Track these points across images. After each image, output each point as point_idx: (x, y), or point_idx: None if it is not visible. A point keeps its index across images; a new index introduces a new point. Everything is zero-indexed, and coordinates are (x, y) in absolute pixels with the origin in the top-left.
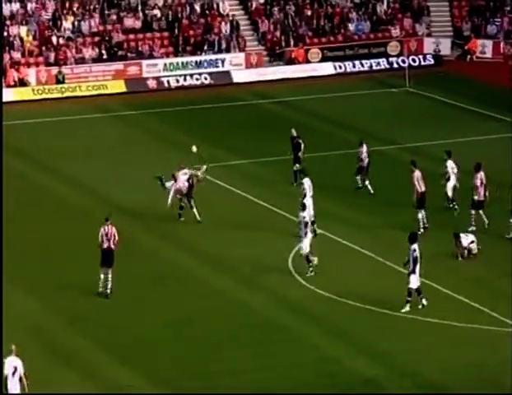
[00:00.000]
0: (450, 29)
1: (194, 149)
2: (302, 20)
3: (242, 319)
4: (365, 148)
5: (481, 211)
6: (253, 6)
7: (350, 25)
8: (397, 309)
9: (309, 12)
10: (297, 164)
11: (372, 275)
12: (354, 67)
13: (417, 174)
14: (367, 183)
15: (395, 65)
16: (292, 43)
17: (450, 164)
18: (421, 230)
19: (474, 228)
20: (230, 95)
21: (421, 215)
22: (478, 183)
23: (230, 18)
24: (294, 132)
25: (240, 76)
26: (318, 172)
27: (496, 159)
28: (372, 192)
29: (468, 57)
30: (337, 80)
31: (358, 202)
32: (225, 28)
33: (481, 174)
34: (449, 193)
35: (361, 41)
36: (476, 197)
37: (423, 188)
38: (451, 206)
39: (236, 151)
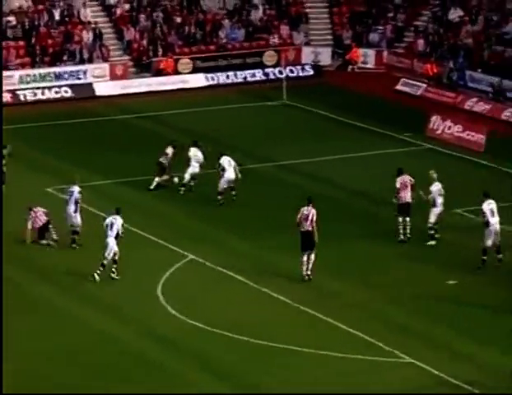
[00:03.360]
0: (330, 37)
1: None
2: (171, 28)
3: (109, 352)
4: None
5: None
6: (118, 12)
7: (222, 33)
8: (274, 340)
9: (178, 20)
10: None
11: (246, 303)
12: (227, 78)
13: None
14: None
15: (272, 76)
16: (161, 52)
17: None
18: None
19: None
20: (93, 110)
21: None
22: (398, 185)
23: (93, 26)
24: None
25: (104, 88)
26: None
27: (379, 175)
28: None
29: (349, 67)
30: (209, 92)
31: (229, 224)
32: (87, 36)
33: (402, 178)
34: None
35: (235, 51)
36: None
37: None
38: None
39: (99, 170)
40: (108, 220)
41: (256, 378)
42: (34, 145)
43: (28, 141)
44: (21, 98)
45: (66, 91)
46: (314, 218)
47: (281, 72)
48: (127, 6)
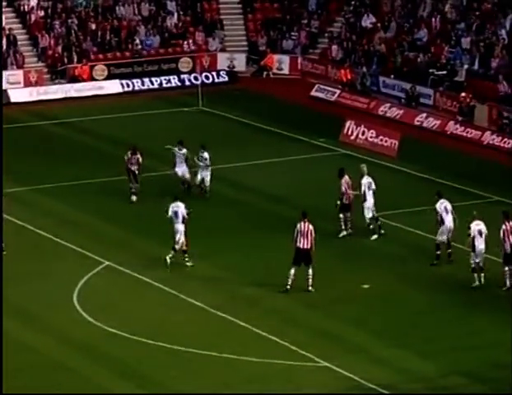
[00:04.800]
0: (245, 43)
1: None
2: (86, 35)
3: (27, 360)
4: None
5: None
6: (32, 19)
7: (138, 39)
8: (190, 345)
9: (93, 26)
10: None
11: (162, 308)
12: (143, 84)
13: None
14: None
15: (187, 82)
16: (75, 59)
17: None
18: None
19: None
20: (8, 116)
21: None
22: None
23: (7, 32)
24: None
25: (18, 95)
26: (100, 199)
27: (295, 180)
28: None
29: (265, 73)
30: (125, 99)
31: (147, 230)
32: (1, 43)
33: (345, 179)
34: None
35: (150, 57)
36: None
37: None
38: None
39: (14, 177)
40: (171, 211)
41: (173, 383)
42: None
43: None
44: None
45: None
46: (313, 235)
47: (196, 79)
48: (41, 13)
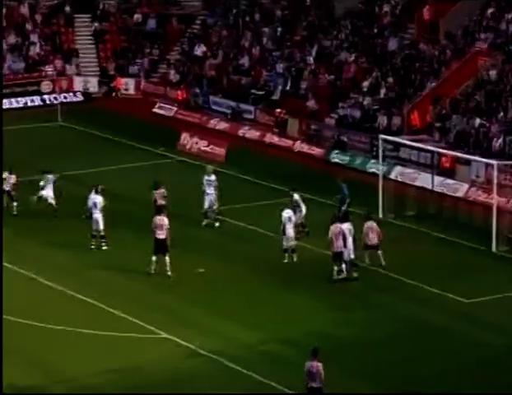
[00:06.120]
0: (97, 69)
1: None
2: None
3: None
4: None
5: None
6: None
7: (5, 65)
8: (54, 322)
9: None
10: None
11: (28, 292)
12: (10, 104)
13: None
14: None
15: (48, 101)
16: None
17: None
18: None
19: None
20: None
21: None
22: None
23: None
24: None
25: None
26: None
27: (138, 183)
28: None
29: (114, 93)
30: None
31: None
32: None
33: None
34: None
35: (17, 80)
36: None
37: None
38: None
39: None
40: (91, 202)
41: (42, 356)
42: None
43: None
44: None
45: None
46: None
47: (56, 98)
48: None
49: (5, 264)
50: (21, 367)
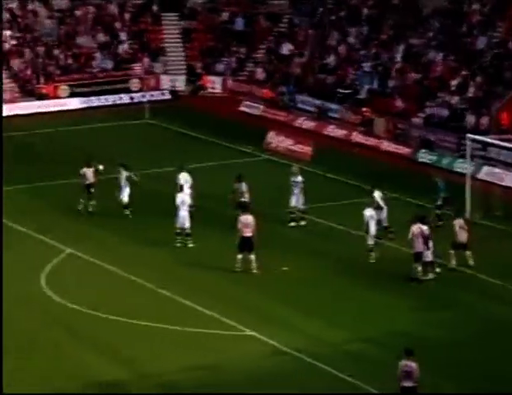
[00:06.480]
0: (184, 67)
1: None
2: (51, 60)
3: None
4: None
5: None
6: (6, 47)
7: (95, 63)
8: (140, 318)
9: (57, 52)
10: None
11: (116, 289)
12: (99, 101)
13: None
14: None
15: (136, 100)
16: (42, 80)
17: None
18: None
19: None
20: None
21: None
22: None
23: None
24: None
25: None
26: (62, 198)
27: (226, 181)
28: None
29: (200, 92)
30: (84, 113)
31: (104, 222)
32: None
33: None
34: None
35: (105, 78)
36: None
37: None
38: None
39: None
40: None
41: (127, 351)
42: None
43: None
44: None
45: None
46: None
47: (143, 96)
48: (14, 42)
49: (95, 261)
50: (108, 363)
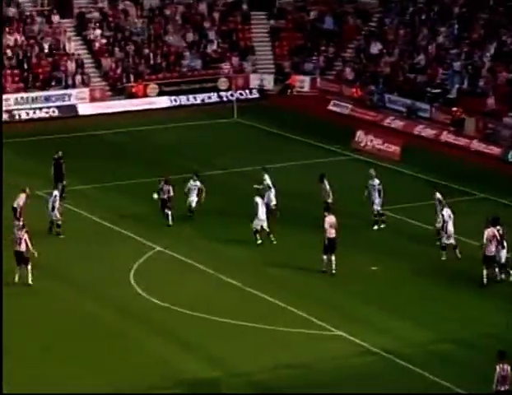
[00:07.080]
0: (273, 66)
1: (155, 196)
2: (141, 59)
3: (92, 329)
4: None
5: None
6: (97, 46)
7: (184, 62)
8: (228, 316)
9: (147, 51)
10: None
11: (205, 287)
12: (188, 100)
13: None
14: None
15: (224, 98)
16: (132, 79)
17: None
18: None
19: None
20: (77, 127)
21: None
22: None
23: (76, 57)
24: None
25: (85, 109)
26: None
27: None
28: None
29: (289, 91)
30: (172, 112)
31: (190, 222)
32: (71, 66)
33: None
34: None
35: (194, 77)
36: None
37: None
38: None
39: (79, 176)
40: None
41: (216, 350)
42: (28, 156)
43: (21, 153)
44: (16, 117)
45: (54, 111)
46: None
47: (232, 95)
48: (104, 41)
49: (185, 260)
50: (198, 361)
